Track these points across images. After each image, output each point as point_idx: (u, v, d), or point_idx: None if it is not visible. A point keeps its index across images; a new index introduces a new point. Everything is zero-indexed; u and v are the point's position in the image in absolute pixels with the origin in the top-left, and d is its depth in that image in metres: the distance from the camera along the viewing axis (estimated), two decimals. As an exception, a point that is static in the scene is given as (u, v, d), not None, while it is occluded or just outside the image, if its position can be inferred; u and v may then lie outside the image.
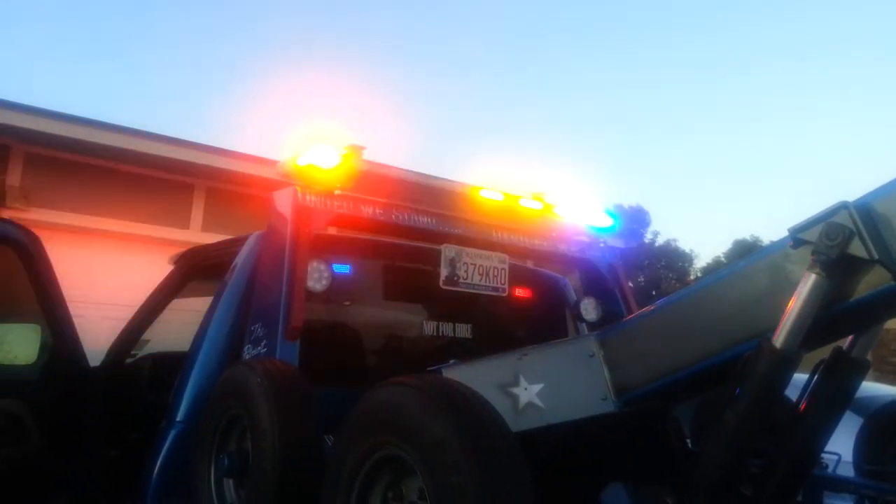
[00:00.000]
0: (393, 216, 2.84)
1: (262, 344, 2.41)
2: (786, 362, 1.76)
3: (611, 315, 3.51)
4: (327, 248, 2.72)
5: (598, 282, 3.53)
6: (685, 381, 2.08)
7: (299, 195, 2.60)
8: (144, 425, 3.43)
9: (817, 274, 1.73)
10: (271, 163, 8.64)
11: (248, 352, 2.49)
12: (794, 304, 1.75)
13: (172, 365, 3.44)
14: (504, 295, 3.13)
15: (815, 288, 1.73)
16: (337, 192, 2.70)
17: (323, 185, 2.68)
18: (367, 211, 2.77)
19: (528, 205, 3.20)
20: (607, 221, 3.57)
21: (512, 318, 3.64)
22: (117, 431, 3.39)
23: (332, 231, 3.22)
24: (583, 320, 3.52)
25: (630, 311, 3.47)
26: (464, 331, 3.35)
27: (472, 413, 1.54)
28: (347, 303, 3.02)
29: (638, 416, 2.23)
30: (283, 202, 2.63)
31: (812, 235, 1.76)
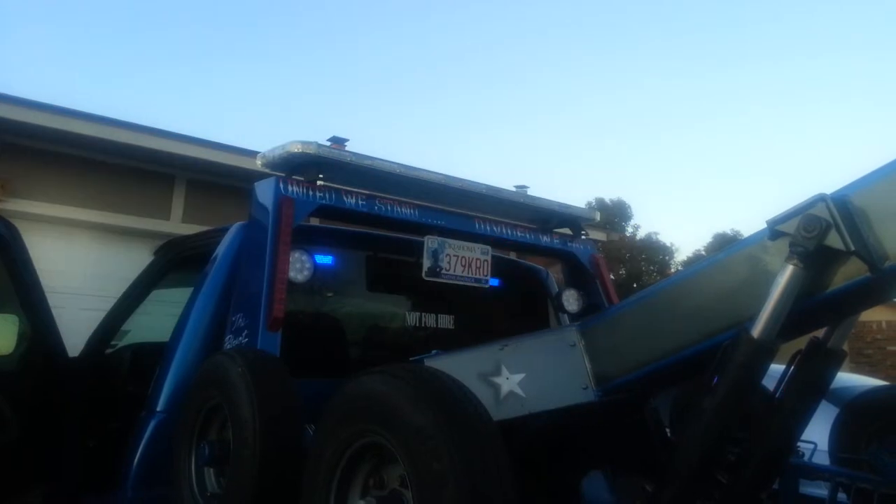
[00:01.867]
0: (375, 207, 2.84)
1: (244, 334, 2.40)
2: (763, 352, 1.79)
3: (592, 306, 3.54)
4: (309, 239, 2.71)
5: (580, 273, 3.55)
6: (665, 370, 2.11)
7: (281, 186, 2.59)
8: (124, 415, 3.42)
9: (795, 265, 1.75)
10: (252, 154, 8.61)
11: (229, 342, 2.48)
12: (772, 295, 1.78)
13: (152, 355, 3.42)
14: (486, 287, 3.14)
15: (793, 279, 1.76)
16: (319, 182, 2.69)
17: (305, 176, 2.67)
18: (350, 202, 2.77)
19: (511, 197, 3.21)
20: (590, 214, 3.60)
21: (494, 309, 3.66)
22: (97, 421, 3.37)
23: (314, 222, 3.22)
24: (564, 311, 3.54)
25: (612, 303, 3.50)
26: (446, 322, 3.36)
27: (452, 401, 1.55)
28: (329, 294, 3.02)
29: (617, 406, 2.25)
30: (264, 192, 2.62)
31: (790, 227, 1.78)
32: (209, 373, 2.13)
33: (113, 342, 3.78)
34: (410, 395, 1.53)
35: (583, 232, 3.56)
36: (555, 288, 3.78)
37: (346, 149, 2.72)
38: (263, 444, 1.79)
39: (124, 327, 3.74)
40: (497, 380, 2.26)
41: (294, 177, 2.67)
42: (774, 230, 1.85)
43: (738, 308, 1.92)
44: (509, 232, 3.33)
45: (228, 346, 2.45)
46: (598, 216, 3.68)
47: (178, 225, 8.12)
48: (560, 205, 3.39)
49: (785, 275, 1.77)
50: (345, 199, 2.75)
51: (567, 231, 3.55)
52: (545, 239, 3.46)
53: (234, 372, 1.92)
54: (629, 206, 33.44)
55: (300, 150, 2.58)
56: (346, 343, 3.17)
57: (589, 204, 18.39)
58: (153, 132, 7.75)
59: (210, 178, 8.29)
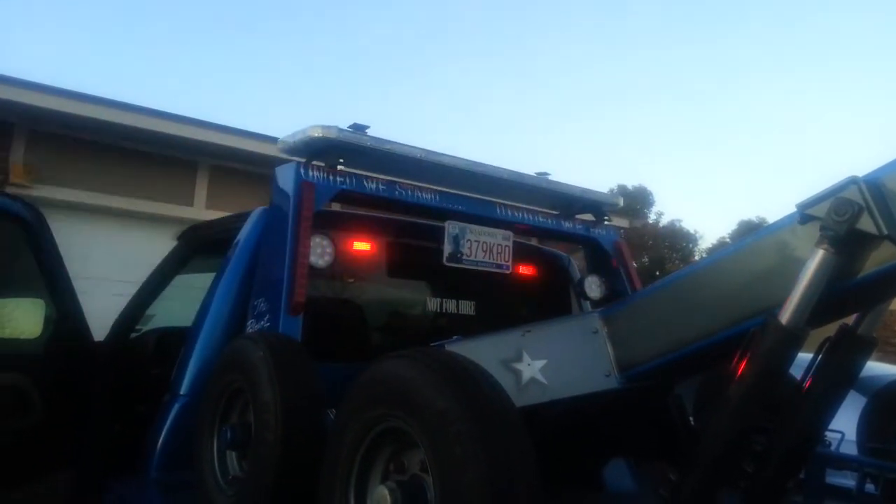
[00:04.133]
0: (396, 192, 2.83)
1: (265, 319, 2.41)
2: (792, 339, 1.75)
3: (615, 293, 3.50)
4: (330, 224, 2.71)
5: (602, 260, 3.51)
6: (689, 357, 2.07)
7: (302, 171, 2.59)
8: (149, 399, 3.46)
9: (825, 250, 1.71)
10: (273, 140, 8.65)
11: (251, 326, 2.49)
12: (802, 281, 1.74)
13: (176, 340, 3.45)
14: (508, 272, 3.12)
15: (823, 264, 1.71)
16: (340, 167, 2.68)
17: (325, 161, 2.67)
18: (371, 187, 2.76)
19: (533, 182, 3.18)
20: (612, 199, 3.56)
21: (515, 295, 3.64)
22: (122, 405, 3.41)
23: (335, 207, 3.21)
24: (587, 298, 3.51)
25: (635, 290, 3.46)
26: (467, 308, 3.34)
27: (474, 385, 1.53)
28: (351, 279, 3.01)
29: (641, 393, 2.22)
30: (285, 178, 2.62)
31: (820, 211, 1.74)
32: (231, 357, 2.13)
33: (138, 327, 3.82)
34: (432, 379, 1.51)
35: (606, 218, 3.52)
36: (577, 274, 3.74)
37: (367, 134, 2.69)
38: (285, 428, 1.79)
39: (149, 312, 3.78)
40: (518, 366, 2.24)
41: (314, 162, 2.66)
42: (804, 214, 1.80)
43: (766, 294, 1.88)
44: (531, 217, 3.30)
45: (250, 331, 2.46)
46: (621, 202, 3.64)
47: (201, 211, 8.20)
48: (582, 190, 3.35)
49: (815, 260, 1.72)
50: (365, 184, 2.74)
51: (589, 217, 3.51)
52: (567, 225, 3.43)
53: (256, 355, 1.92)
54: (651, 193, 33.01)
55: (321, 135, 2.57)
56: (366, 328, 3.17)
57: (611, 190, 18.07)
58: (176, 119, 7.81)
59: (232, 165, 8.35)
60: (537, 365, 2.26)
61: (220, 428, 2.11)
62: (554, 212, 3.42)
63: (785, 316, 1.75)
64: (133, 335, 3.78)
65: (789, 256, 1.85)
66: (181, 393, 2.58)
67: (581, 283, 3.51)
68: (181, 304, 3.79)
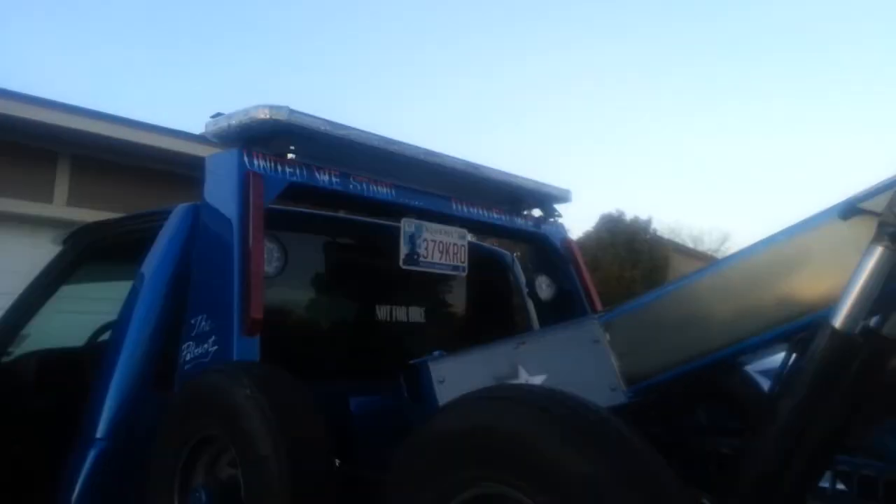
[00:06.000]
0: (350, 185, 2.46)
1: (210, 341, 1.97)
2: (848, 345, 1.60)
3: (565, 293, 3.33)
4: (277, 224, 2.29)
5: (551, 258, 3.32)
6: (710, 368, 1.90)
7: (246, 159, 2.16)
8: (28, 438, 2.87)
9: (885, 247, 1.57)
10: (149, 127, 7.79)
11: (189, 350, 2.04)
12: (856, 281, 1.59)
13: (64, 365, 2.90)
14: (464, 274, 2.85)
15: (882, 262, 1.57)
16: (290, 156, 2.27)
17: (271, 149, 2.25)
18: (323, 179, 2.37)
19: (492, 175, 2.91)
20: (563, 193, 3.37)
21: (457, 298, 3.39)
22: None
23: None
24: (538, 299, 3.31)
25: (587, 289, 3.30)
26: (417, 315, 3.03)
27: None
28: (300, 286, 2.61)
29: (656, 408, 2.02)
30: (224, 168, 2.18)
31: (877, 205, 1.60)
32: (199, 397, 1.69)
33: (9, 349, 3.17)
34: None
35: (556, 213, 3.33)
36: (521, 274, 3.54)
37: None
38: (293, 486, 1.39)
39: (24, 331, 3.15)
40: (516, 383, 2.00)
41: (254, 150, 2.24)
42: (850, 209, 1.66)
43: (805, 296, 1.74)
44: (484, 214, 3.05)
45: (189, 356, 2.01)
46: (571, 195, 3.46)
47: (61, 208, 7.24)
48: (535, 182, 3.13)
49: (872, 258, 1.58)
50: (317, 175, 2.35)
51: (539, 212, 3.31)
52: (518, 221, 3.20)
53: (240, 395, 1.50)
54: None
55: (268, 117, 2.16)
56: (316, 343, 2.76)
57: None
58: (31, 101, 6.79)
59: (98, 155, 7.40)
60: (536, 381, 2.03)
61: (182, 489, 1.66)
62: (504, 207, 3.18)
63: (839, 319, 1.59)
64: (4, 360, 3.13)
65: (833, 255, 1.71)
66: (97, 436, 2.07)
67: (532, 283, 3.30)
68: (68, 320, 3.20)
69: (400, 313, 2.94)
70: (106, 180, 7.41)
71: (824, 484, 2.57)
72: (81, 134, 7.07)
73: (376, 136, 2.41)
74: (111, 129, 7.21)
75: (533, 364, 2.05)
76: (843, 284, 1.62)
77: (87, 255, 2.95)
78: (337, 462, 1.50)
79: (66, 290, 3.03)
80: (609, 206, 19.02)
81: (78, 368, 2.71)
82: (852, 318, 1.59)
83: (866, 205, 1.63)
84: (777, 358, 1.84)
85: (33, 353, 3.16)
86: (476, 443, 1.27)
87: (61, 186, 7.35)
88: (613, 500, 1.09)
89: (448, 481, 1.29)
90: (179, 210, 2.38)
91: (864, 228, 1.64)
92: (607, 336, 2.07)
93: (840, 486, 2.47)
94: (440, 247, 2.71)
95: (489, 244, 3.75)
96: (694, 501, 1.82)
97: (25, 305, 3.03)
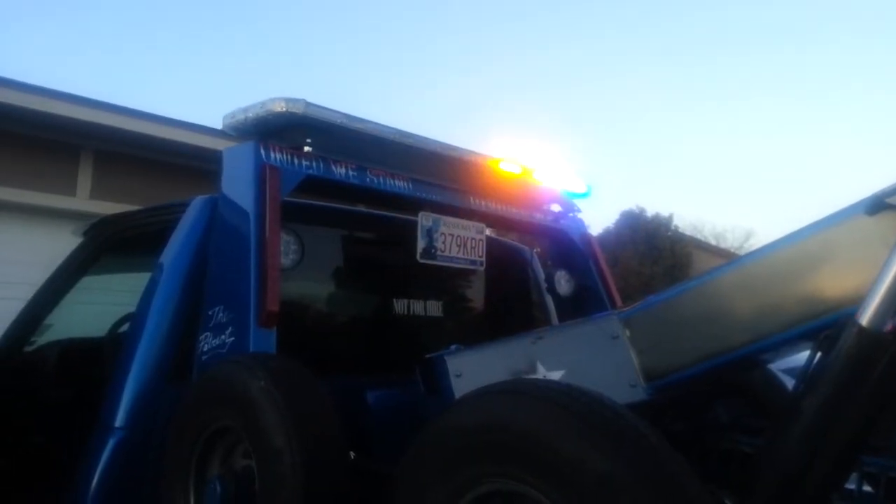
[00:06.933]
0: (367, 179, 2.45)
1: (228, 332, 1.97)
2: (876, 343, 1.56)
3: (585, 289, 3.30)
4: (293, 217, 2.29)
5: (571, 253, 3.29)
6: (731, 366, 1.86)
7: (262, 152, 2.16)
8: (49, 427, 2.90)
9: (916, 243, 1.52)
10: (169, 122, 7.84)
11: (206, 341, 2.04)
12: (885, 278, 1.54)
13: (85, 354, 2.92)
14: (481, 269, 2.83)
15: (913, 259, 1.53)
16: (306, 149, 2.27)
17: (288, 141, 2.25)
18: (340, 172, 2.36)
19: (508, 168, 2.88)
20: (581, 187, 3.33)
21: (479, 292, 3.36)
22: (12, 435, 2.85)
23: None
24: (557, 295, 3.28)
25: (606, 285, 3.27)
26: (434, 309, 3.01)
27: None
28: (316, 279, 2.61)
29: (678, 405, 1.99)
30: (241, 160, 2.18)
31: None
32: (214, 389, 1.69)
33: (33, 339, 3.21)
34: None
35: (576, 207, 3.29)
36: (540, 269, 3.51)
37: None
38: (307, 482, 1.39)
39: (47, 321, 3.18)
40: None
41: (271, 142, 2.24)
42: (878, 204, 1.62)
43: (829, 293, 1.70)
44: (503, 208, 3.02)
45: (207, 346, 2.02)
46: (589, 189, 3.41)
47: (84, 201, 7.32)
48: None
49: (903, 254, 1.53)
50: (334, 168, 2.34)
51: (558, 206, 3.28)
52: (537, 216, 3.18)
53: (254, 387, 1.50)
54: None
55: (284, 110, 2.15)
56: (332, 337, 2.76)
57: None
58: (55, 96, 6.87)
59: (121, 149, 7.48)
60: (554, 377, 2.00)
61: (198, 480, 1.66)
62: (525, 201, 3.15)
63: (866, 317, 1.55)
64: (28, 349, 3.16)
65: (859, 251, 1.67)
66: (116, 425, 2.08)
67: (551, 278, 3.27)
68: (89, 310, 3.23)
69: (417, 307, 2.93)
70: (128, 174, 7.48)
71: (850, 485, 2.52)
72: (104, 128, 7.14)
73: (393, 129, 2.39)
74: (134, 124, 7.27)
75: (551, 359, 2.03)
76: (869, 281, 1.58)
77: (106, 246, 2.97)
78: (352, 455, 1.49)
79: (87, 282, 3.06)
80: (630, 204, 18.87)
81: (98, 358, 2.73)
82: (880, 315, 1.55)
83: (893, 200, 1.59)
84: (801, 356, 1.81)
85: (55, 343, 3.21)
86: (490, 438, 1.25)
87: (84, 180, 7.43)
88: (630, 499, 1.06)
89: (461, 477, 1.27)
90: (197, 202, 2.39)
91: (891, 224, 1.60)
92: (627, 332, 2.04)
93: (866, 488, 2.42)
94: (458, 241, 2.69)
95: (508, 239, 3.72)
96: (713, 501, 1.79)
97: (47, 296, 3.07)
